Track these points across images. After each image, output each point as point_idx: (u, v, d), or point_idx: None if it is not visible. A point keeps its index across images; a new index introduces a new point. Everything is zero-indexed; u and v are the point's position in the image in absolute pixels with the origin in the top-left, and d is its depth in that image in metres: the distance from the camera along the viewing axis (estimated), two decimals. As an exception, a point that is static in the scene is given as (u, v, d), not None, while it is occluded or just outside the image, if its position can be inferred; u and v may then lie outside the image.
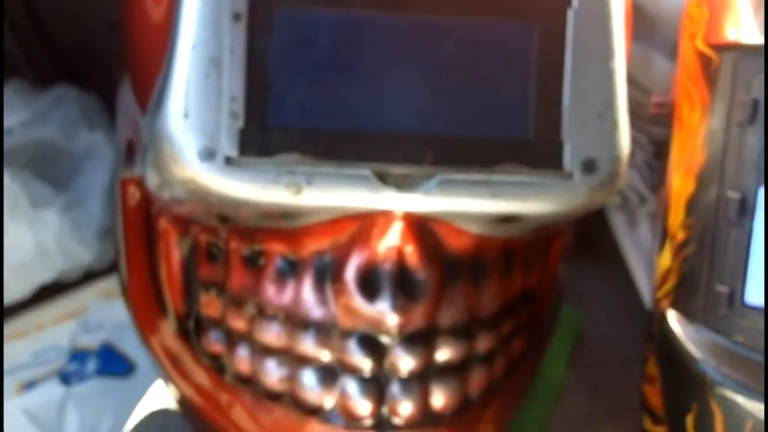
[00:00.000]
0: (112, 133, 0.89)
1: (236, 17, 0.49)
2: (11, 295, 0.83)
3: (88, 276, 0.87)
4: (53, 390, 0.78)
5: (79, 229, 0.86)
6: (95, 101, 0.93)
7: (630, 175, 0.74)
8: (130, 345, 0.80)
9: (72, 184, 0.89)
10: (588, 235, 0.68)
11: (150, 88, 0.52)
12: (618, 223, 0.75)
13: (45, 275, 0.84)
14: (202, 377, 0.59)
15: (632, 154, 0.74)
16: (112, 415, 0.75)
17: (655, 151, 0.73)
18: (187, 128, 0.49)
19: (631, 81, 0.74)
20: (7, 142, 0.88)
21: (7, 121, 0.89)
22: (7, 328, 0.82)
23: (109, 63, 0.80)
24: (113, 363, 0.80)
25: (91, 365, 0.80)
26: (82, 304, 0.86)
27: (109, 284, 0.85)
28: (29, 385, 0.78)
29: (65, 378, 0.78)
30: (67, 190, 0.88)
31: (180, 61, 0.49)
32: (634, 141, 0.73)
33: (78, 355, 0.80)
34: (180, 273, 0.58)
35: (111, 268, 0.86)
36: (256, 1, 0.49)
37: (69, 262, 0.85)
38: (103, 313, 0.85)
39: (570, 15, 0.52)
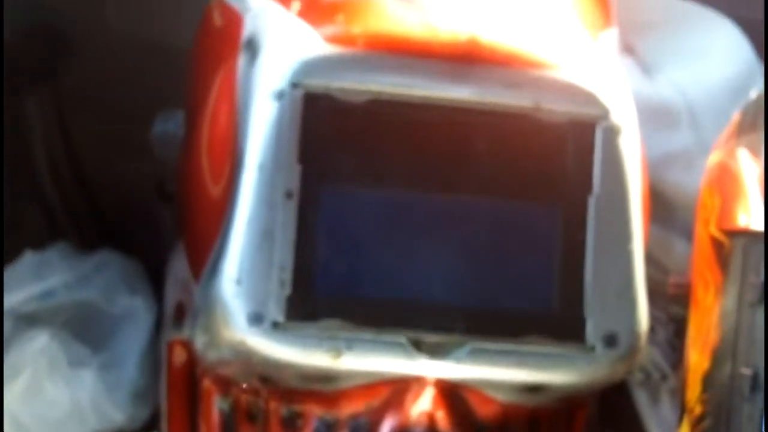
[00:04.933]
0: (151, 297, 0.93)
1: (288, 195, 0.54)
2: (46, 452, 0.85)
3: (120, 437, 0.88)
4: None
5: (114, 391, 0.88)
6: (136, 266, 0.97)
7: (652, 353, 0.77)
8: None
9: (109, 345, 0.92)
10: (611, 411, 0.70)
11: (204, 257, 0.56)
12: (641, 399, 0.77)
13: (79, 434, 0.86)
14: None
15: (654, 332, 0.77)
16: None
17: (675, 329, 0.76)
18: (239, 294, 0.53)
19: (652, 262, 0.78)
20: (49, 302, 0.91)
21: (51, 282, 0.92)
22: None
23: (151, 226, 0.84)
24: None
25: None
26: (112, 464, 0.87)
27: (140, 446, 0.87)
28: None
29: None
30: (104, 351, 0.90)
31: (236, 233, 0.54)
32: (655, 319, 0.76)
33: None
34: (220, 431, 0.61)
35: (142, 430, 0.88)
36: (307, 181, 0.54)
37: (102, 422, 0.87)
38: (131, 474, 0.86)
39: (591, 201, 0.56)
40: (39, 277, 0.92)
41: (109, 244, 0.98)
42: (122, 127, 1.00)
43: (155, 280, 0.94)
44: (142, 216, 0.89)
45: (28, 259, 0.93)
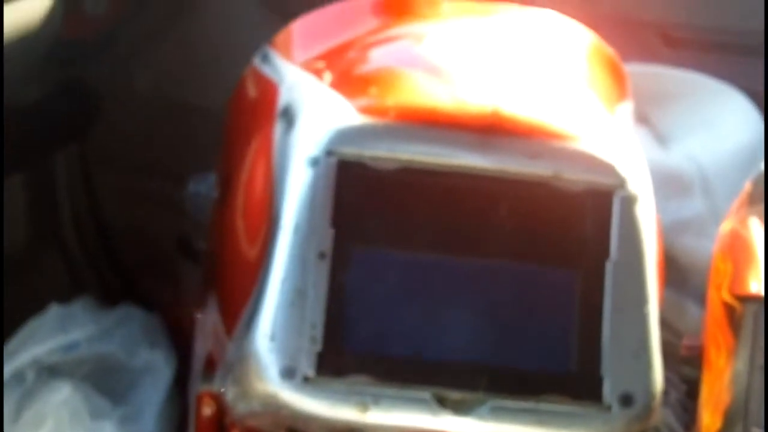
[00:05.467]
0: (171, 352, 0.95)
1: (321, 256, 0.57)
2: (65, 504, 0.86)
3: (137, 491, 0.90)
4: None
5: (133, 444, 0.90)
6: (157, 321, 1.00)
7: (664, 414, 0.79)
8: None
9: (129, 398, 0.94)
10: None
11: (237, 312, 0.59)
12: (653, 461, 0.79)
13: (98, 485, 0.88)
14: None
15: (666, 393, 0.78)
16: None
17: (687, 390, 0.78)
18: (273, 349, 0.56)
19: (665, 325, 0.80)
20: (72, 355, 0.94)
21: (74, 335, 0.95)
22: None
23: (172, 282, 0.87)
24: None
25: None
26: None
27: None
28: None
29: None
30: (124, 404, 0.93)
31: (270, 291, 0.57)
32: (667, 381, 0.77)
33: None
34: (249, 482, 0.63)
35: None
36: (339, 243, 0.57)
37: (120, 474, 0.89)
38: None
39: (608, 266, 0.59)
40: (63, 330, 0.95)
41: (131, 299, 1.01)
42: (146, 183, 1.04)
43: (175, 335, 0.96)
44: (163, 272, 0.91)
45: (54, 311, 0.96)
